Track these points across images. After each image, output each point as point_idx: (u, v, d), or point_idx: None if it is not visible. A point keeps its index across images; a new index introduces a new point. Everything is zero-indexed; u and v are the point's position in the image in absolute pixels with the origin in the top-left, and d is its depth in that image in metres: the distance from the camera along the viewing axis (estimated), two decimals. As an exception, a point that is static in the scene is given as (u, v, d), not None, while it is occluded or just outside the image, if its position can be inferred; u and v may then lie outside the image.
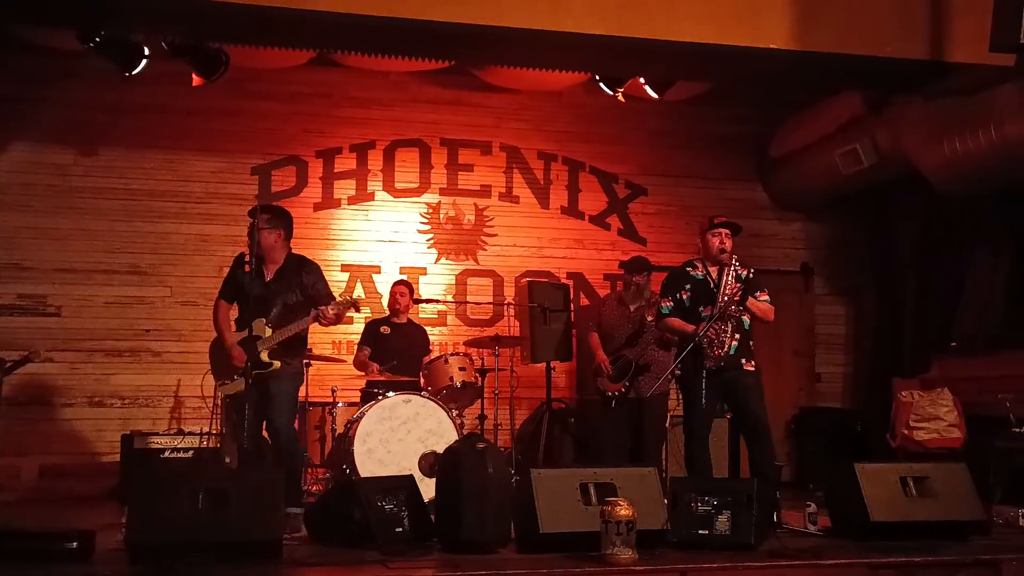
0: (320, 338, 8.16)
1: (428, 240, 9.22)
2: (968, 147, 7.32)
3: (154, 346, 8.50)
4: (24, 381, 7.94)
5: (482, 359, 7.84)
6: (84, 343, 8.36)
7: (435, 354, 7.80)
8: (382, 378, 7.14)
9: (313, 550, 4.78)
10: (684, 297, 6.14)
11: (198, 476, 4.93)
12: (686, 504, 4.89)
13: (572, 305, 8.90)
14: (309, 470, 7.20)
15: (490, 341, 7.85)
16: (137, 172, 8.62)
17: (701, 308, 6.02)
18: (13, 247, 8.31)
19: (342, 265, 8.90)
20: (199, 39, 7.06)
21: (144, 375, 8.45)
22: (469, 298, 9.12)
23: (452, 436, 6.50)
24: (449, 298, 9.00)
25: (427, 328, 8.24)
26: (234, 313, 6.07)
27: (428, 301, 8.42)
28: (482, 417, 7.69)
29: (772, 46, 6.49)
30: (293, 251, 6.13)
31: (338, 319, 6.05)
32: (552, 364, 8.31)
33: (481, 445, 4.91)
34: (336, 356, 8.21)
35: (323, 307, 5.85)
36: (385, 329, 7.64)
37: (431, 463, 6.42)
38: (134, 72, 7.27)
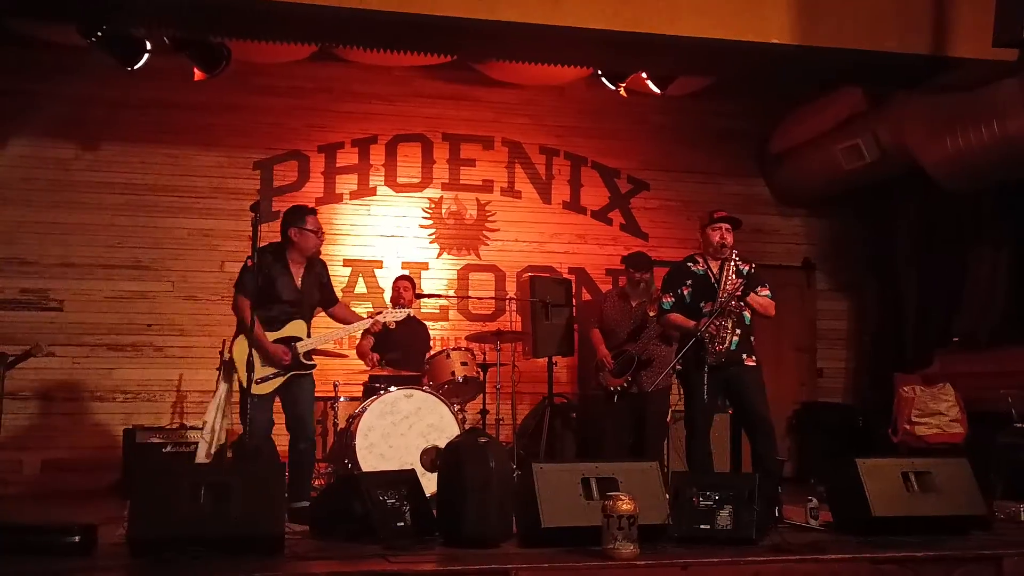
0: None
1: (430, 235, 9.22)
2: (970, 142, 7.31)
3: (156, 341, 8.51)
4: (26, 376, 7.94)
5: (484, 354, 7.85)
6: (86, 337, 8.37)
7: (437, 349, 7.80)
8: (384, 373, 7.15)
9: (315, 544, 4.78)
10: (685, 292, 6.12)
11: (200, 471, 4.94)
12: (688, 499, 4.89)
13: (574, 300, 8.90)
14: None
15: (492, 336, 7.85)
16: (139, 167, 8.63)
17: (702, 304, 6.01)
18: (15, 242, 8.32)
19: (344, 260, 8.90)
20: (201, 34, 7.05)
21: (146, 369, 8.46)
22: (471, 293, 9.12)
23: (454, 431, 6.50)
24: (451, 293, 9.01)
25: (429, 323, 8.24)
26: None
27: (430, 296, 8.43)
28: (484, 412, 7.70)
29: (774, 41, 6.48)
30: None
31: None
32: (554, 359, 8.31)
33: (483, 440, 4.91)
34: (338, 351, 8.21)
35: (378, 317, 6.33)
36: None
37: (433, 458, 6.42)
38: (136, 67, 7.25)
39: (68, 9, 6.43)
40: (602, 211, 9.64)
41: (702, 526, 4.81)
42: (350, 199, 9.09)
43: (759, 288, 6.03)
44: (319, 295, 6.18)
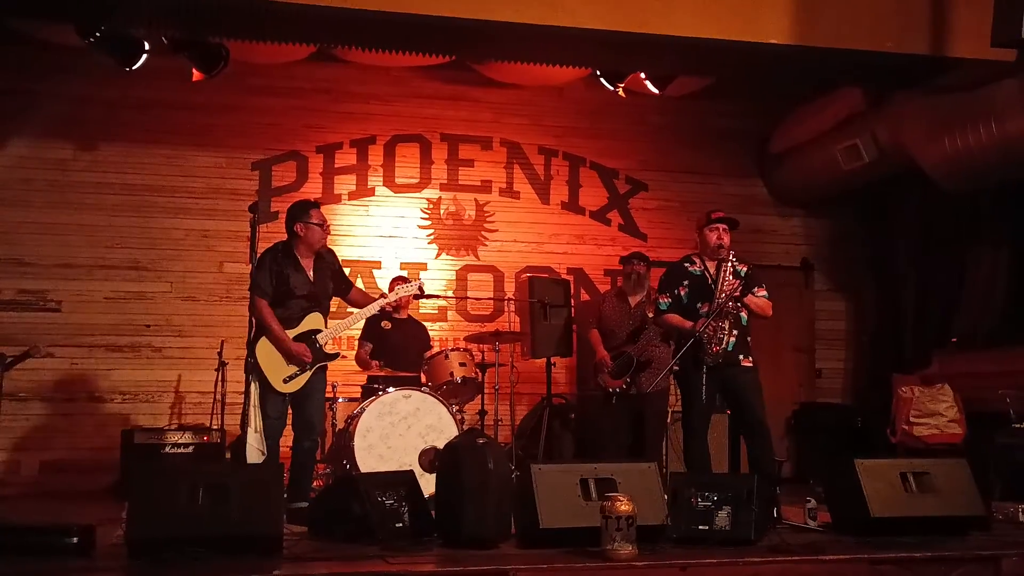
0: (320, 334, 8.16)
1: (429, 236, 9.22)
2: (968, 143, 7.31)
3: (155, 341, 8.51)
4: (24, 376, 7.94)
5: (482, 355, 7.84)
6: (84, 338, 8.37)
7: (435, 350, 7.80)
8: (382, 374, 7.15)
9: (313, 545, 4.77)
10: (682, 293, 6.10)
11: (198, 471, 4.93)
12: (686, 499, 4.88)
13: (572, 301, 8.89)
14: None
15: (490, 337, 7.85)
16: (137, 167, 8.63)
17: (699, 304, 5.99)
18: (13, 242, 8.31)
19: (342, 260, 8.79)
20: (199, 34, 7.05)
21: (144, 370, 8.46)
22: (470, 294, 9.12)
23: (452, 432, 6.50)
24: (450, 294, 9.00)
25: (427, 324, 8.24)
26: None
27: (429, 297, 8.43)
28: (482, 413, 7.70)
29: (772, 41, 6.49)
30: None
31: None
32: (552, 360, 8.31)
33: (481, 441, 4.90)
34: (336, 351, 8.20)
35: (391, 296, 6.46)
36: (386, 324, 7.64)
37: (431, 459, 6.41)
38: (134, 67, 7.25)
39: (66, 9, 6.43)
40: (601, 211, 9.63)
41: (700, 527, 4.81)
42: (348, 200, 9.09)
43: (756, 289, 6.03)
44: (333, 284, 6.20)
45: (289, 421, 5.99)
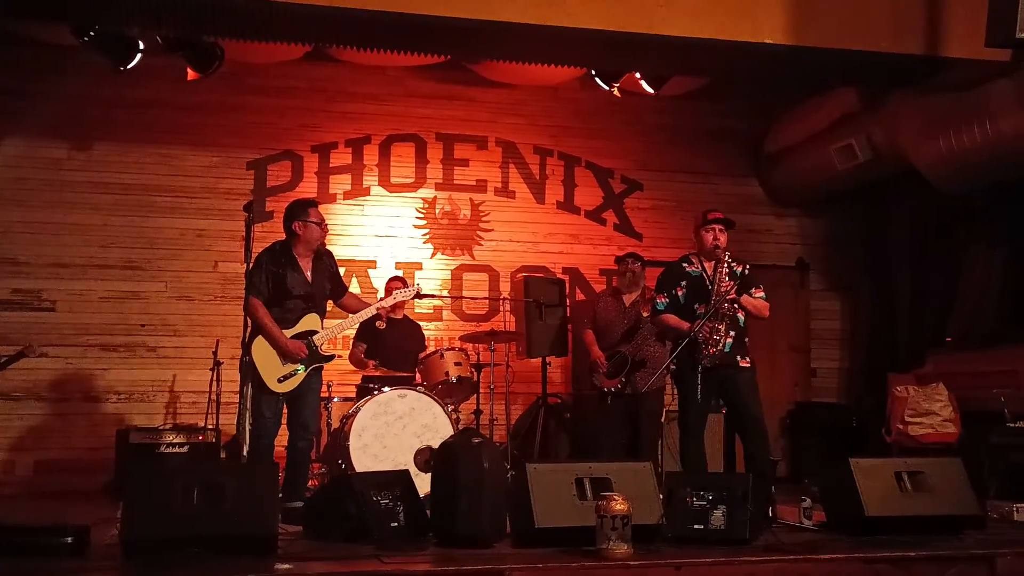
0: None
1: (424, 235, 9.21)
2: (963, 143, 7.33)
3: (149, 341, 8.50)
4: (19, 376, 7.95)
5: (478, 354, 7.85)
6: (79, 338, 8.36)
7: (431, 349, 7.80)
8: (377, 373, 7.15)
9: (308, 545, 4.77)
10: (679, 293, 6.08)
11: (193, 471, 4.93)
12: (681, 499, 4.88)
13: (568, 300, 8.90)
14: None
15: (486, 336, 7.84)
16: (132, 167, 8.62)
17: (696, 305, 5.97)
18: (7, 242, 8.30)
19: (338, 260, 8.80)
20: (194, 33, 7.04)
21: (139, 370, 8.45)
22: (465, 293, 9.11)
23: (447, 431, 6.50)
24: (445, 293, 9.00)
25: (423, 323, 8.24)
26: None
27: (425, 296, 8.42)
28: (477, 412, 7.71)
29: (767, 41, 6.49)
30: None
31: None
32: (548, 359, 8.32)
33: (476, 440, 4.90)
34: (333, 351, 8.20)
35: (387, 300, 6.48)
36: (380, 324, 7.60)
37: (426, 458, 6.40)
38: (128, 66, 7.24)
39: (61, 8, 6.42)
40: (596, 211, 9.64)
41: (696, 526, 4.81)
42: (343, 199, 9.08)
43: (753, 290, 6.02)
44: (330, 286, 6.20)
45: (284, 420, 5.99)
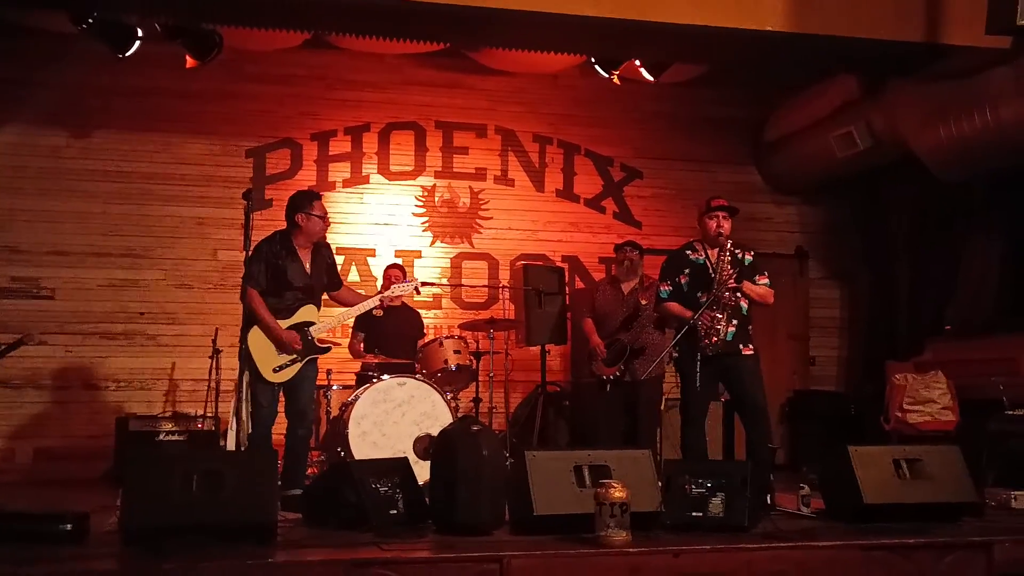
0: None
1: (423, 223, 9.21)
2: (963, 130, 7.32)
3: (149, 329, 8.50)
4: (18, 364, 7.95)
5: (477, 342, 7.85)
6: (78, 326, 8.36)
7: (430, 337, 7.80)
8: (376, 360, 7.15)
9: (307, 532, 4.78)
10: (683, 281, 6.02)
11: (193, 459, 4.93)
12: (680, 486, 4.89)
13: (567, 288, 8.90)
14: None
15: (485, 324, 7.84)
16: (131, 154, 8.61)
17: (699, 293, 5.91)
18: (6, 230, 8.30)
19: (337, 248, 8.75)
20: (192, 20, 7.02)
21: (139, 358, 8.45)
22: (464, 281, 9.11)
23: (447, 419, 6.50)
24: (444, 281, 9.00)
25: (422, 311, 8.24)
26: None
27: (424, 284, 8.41)
28: (477, 400, 7.71)
29: (768, 28, 6.48)
30: None
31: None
32: (547, 347, 8.32)
33: (475, 428, 4.90)
34: (331, 339, 8.19)
35: (386, 294, 6.36)
36: (378, 312, 7.61)
37: (425, 446, 6.41)
38: (127, 54, 7.23)
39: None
40: (595, 199, 9.63)
41: (694, 513, 4.81)
42: (343, 187, 9.07)
43: (757, 277, 5.97)
44: (327, 278, 6.18)
45: (281, 409, 5.99)
